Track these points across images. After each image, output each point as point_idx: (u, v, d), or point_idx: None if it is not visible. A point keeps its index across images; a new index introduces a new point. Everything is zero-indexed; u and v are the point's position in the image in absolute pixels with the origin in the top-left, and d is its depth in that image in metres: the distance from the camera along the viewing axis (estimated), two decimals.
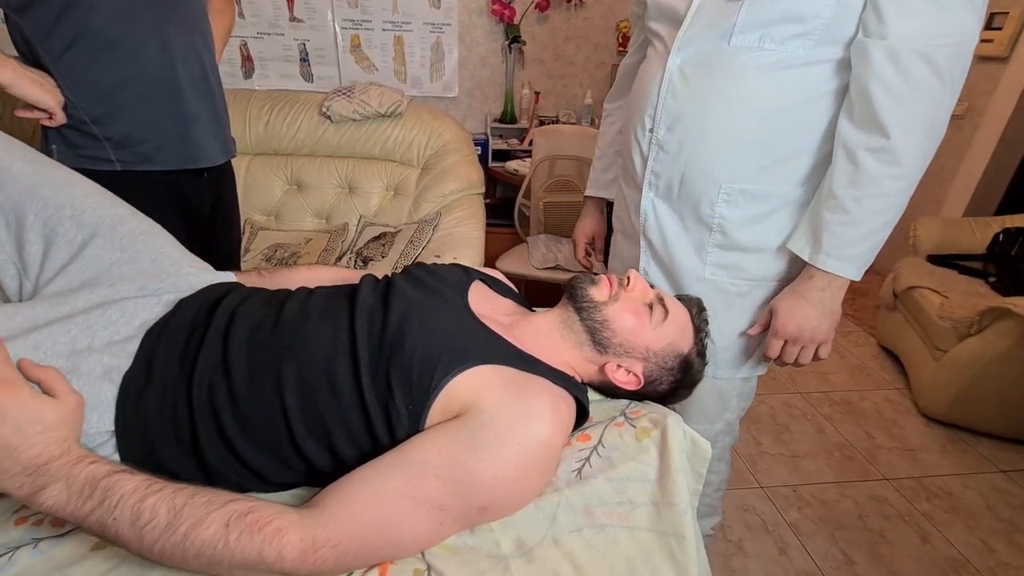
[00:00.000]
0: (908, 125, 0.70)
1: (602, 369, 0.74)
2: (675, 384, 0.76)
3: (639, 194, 0.93)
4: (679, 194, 0.88)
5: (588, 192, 1.21)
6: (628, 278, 0.76)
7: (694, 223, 0.89)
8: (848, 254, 0.77)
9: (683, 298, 0.82)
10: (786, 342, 0.86)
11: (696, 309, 0.80)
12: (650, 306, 0.75)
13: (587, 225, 1.22)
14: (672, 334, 0.75)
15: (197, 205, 1.13)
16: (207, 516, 0.47)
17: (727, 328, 0.93)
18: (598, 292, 0.74)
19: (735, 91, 0.78)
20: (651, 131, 0.87)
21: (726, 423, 1.06)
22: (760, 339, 0.93)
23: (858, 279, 0.80)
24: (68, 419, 0.51)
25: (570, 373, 0.72)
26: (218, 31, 1.23)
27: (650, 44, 0.91)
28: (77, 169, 0.96)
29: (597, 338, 0.73)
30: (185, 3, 1.03)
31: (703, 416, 1.03)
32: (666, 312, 0.74)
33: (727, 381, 1.00)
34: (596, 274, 0.79)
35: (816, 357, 0.87)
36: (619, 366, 0.73)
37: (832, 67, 0.75)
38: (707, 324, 0.81)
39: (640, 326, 0.73)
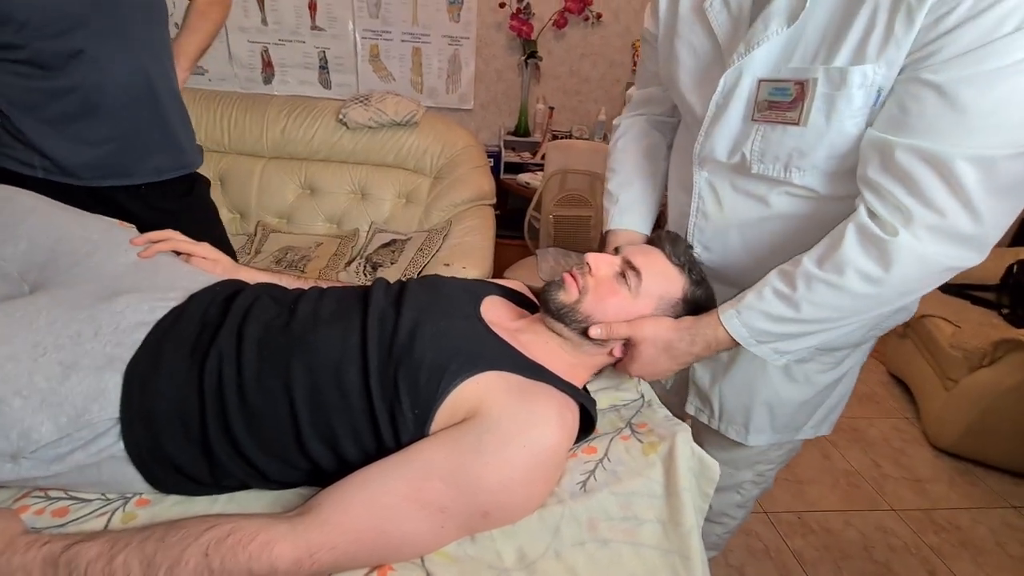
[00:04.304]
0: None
1: (611, 353, 0.74)
2: (693, 313, 0.74)
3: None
4: (731, 281, 0.83)
5: (619, 225, 0.92)
6: (588, 264, 0.74)
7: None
8: (757, 325, 0.66)
9: (654, 239, 0.79)
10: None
11: (669, 246, 0.76)
12: (623, 275, 0.73)
13: None
14: (657, 288, 0.73)
15: (145, 218, 1.01)
16: (183, 553, 0.47)
17: (786, 397, 0.86)
18: (567, 295, 0.72)
19: (767, 215, 0.72)
20: (690, 247, 0.83)
21: (757, 474, 0.99)
22: (815, 406, 0.88)
23: (749, 349, 0.68)
24: None
25: (578, 380, 0.72)
26: (201, 34, 1.17)
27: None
28: (2, 168, 0.98)
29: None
30: (116, 16, 0.95)
31: (728, 461, 0.95)
32: (639, 272, 0.72)
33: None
34: (560, 279, 0.75)
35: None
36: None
37: None
38: (689, 251, 0.77)
39: (622, 302, 0.71)
